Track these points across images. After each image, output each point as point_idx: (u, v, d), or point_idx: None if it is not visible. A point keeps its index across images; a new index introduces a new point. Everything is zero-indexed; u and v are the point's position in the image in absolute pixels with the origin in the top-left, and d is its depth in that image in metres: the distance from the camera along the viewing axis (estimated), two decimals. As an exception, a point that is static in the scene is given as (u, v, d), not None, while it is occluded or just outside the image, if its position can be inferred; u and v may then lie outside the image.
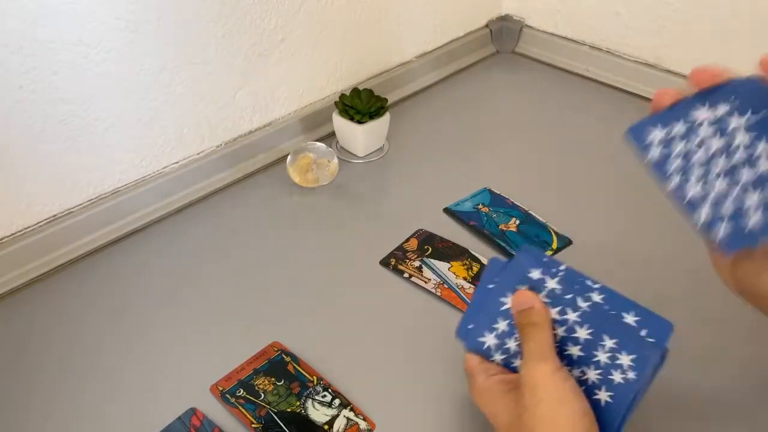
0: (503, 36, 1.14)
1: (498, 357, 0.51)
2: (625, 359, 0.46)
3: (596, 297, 0.49)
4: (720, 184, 0.45)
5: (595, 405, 0.46)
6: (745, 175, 0.44)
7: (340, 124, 0.87)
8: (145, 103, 0.74)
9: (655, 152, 0.47)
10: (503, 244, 0.73)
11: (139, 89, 0.72)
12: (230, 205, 0.82)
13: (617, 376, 0.46)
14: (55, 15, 0.63)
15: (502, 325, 0.51)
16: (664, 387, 0.57)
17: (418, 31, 1.01)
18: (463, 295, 0.67)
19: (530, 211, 0.78)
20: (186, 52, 0.74)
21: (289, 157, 0.82)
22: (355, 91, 0.87)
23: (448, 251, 0.72)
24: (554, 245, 0.73)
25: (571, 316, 0.49)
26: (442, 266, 0.70)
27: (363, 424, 0.55)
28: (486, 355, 0.51)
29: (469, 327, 0.52)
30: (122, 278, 0.71)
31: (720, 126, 0.45)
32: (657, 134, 0.47)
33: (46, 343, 0.64)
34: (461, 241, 0.74)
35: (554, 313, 0.49)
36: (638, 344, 0.46)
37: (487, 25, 1.12)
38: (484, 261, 0.71)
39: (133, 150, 0.75)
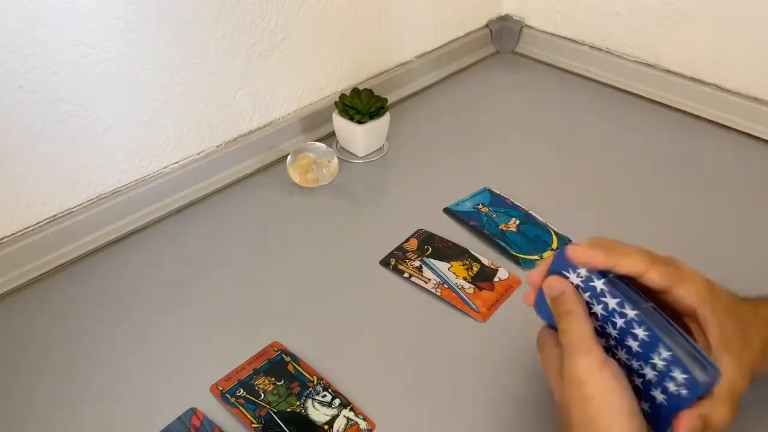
0: (503, 36, 1.14)
1: None
2: (678, 375, 0.43)
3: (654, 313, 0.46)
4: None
5: (652, 400, 0.45)
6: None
7: (340, 124, 0.87)
8: (145, 103, 0.74)
9: None
10: (503, 244, 0.73)
11: (139, 89, 0.72)
12: (230, 205, 0.82)
13: (671, 386, 0.44)
14: (55, 15, 0.63)
15: None
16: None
17: (418, 31, 1.01)
18: (463, 295, 0.67)
19: (530, 211, 0.78)
20: (186, 52, 0.74)
21: (289, 157, 0.82)
22: (355, 91, 0.87)
23: (448, 251, 0.72)
24: (554, 245, 0.73)
25: (630, 312, 0.45)
26: (442, 266, 0.70)
27: (363, 424, 0.55)
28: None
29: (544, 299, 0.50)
30: (122, 278, 0.71)
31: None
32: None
33: (45, 343, 0.64)
34: (461, 241, 0.74)
35: (613, 303, 0.46)
36: (690, 365, 0.43)
37: (487, 25, 1.12)
38: (485, 261, 0.71)
39: (133, 150, 0.75)
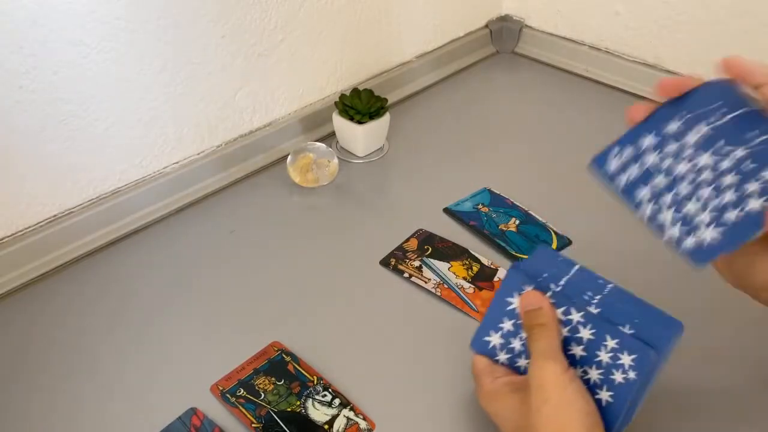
0: (503, 36, 1.14)
1: (502, 356, 0.51)
2: (626, 359, 0.46)
3: (604, 298, 0.49)
4: (689, 199, 0.46)
5: (596, 404, 0.47)
6: (723, 183, 0.45)
7: (340, 124, 0.87)
8: (145, 103, 0.74)
9: (622, 178, 0.48)
10: (503, 244, 0.73)
11: (139, 89, 0.72)
12: (230, 205, 0.82)
13: (618, 376, 0.46)
14: (55, 15, 0.63)
15: (507, 325, 0.51)
16: (664, 384, 0.57)
17: (418, 31, 1.01)
18: (463, 295, 0.67)
19: (530, 211, 0.78)
20: (186, 52, 0.74)
21: (289, 157, 0.82)
22: (355, 91, 0.87)
23: (448, 251, 0.72)
24: (554, 245, 0.73)
25: (575, 316, 0.49)
26: (442, 266, 0.70)
27: (363, 424, 0.55)
28: (491, 354, 0.51)
29: (484, 338, 0.53)
30: (122, 278, 0.71)
31: (691, 134, 0.46)
32: (624, 154, 0.48)
33: (46, 343, 0.64)
34: (461, 241, 0.74)
35: (559, 313, 0.49)
36: (639, 344, 0.46)
37: (487, 26, 1.12)
38: (485, 261, 0.71)
39: (133, 150, 0.75)
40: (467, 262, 0.71)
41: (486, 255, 0.72)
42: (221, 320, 0.66)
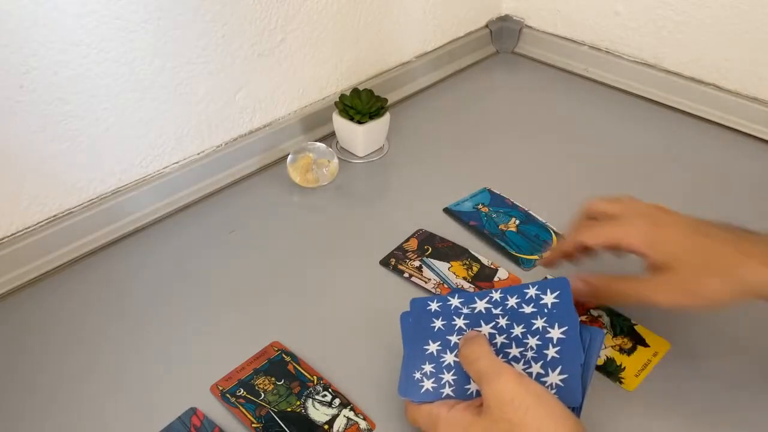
0: (503, 36, 1.14)
1: (447, 390, 0.51)
2: (555, 333, 0.50)
3: (497, 295, 0.54)
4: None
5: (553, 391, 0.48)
6: None
7: (340, 124, 0.87)
8: (145, 103, 0.74)
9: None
10: (503, 244, 0.73)
11: (139, 89, 0.72)
12: (230, 205, 0.82)
13: (551, 352, 0.49)
14: (55, 15, 0.63)
15: (428, 368, 0.52)
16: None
17: (418, 31, 1.01)
18: (463, 295, 0.67)
19: (530, 211, 0.78)
20: (186, 52, 0.74)
21: (289, 157, 0.83)
22: (355, 91, 0.87)
23: (448, 251, 0.72)
24: (554, 244, 0.73)
25: (502, 321, 0.52)
26: (442, 266, 0.70)
27: (363, 424, 0.55)
28: (435, 396, 0.51)
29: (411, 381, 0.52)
30: (122, 278, 0.71)
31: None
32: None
33: (45, 343, 0.64)
34: (461, 241, 0.74)
35: (489, 327, 0.52)
36: (557, 315, 0.51)
37: (487, 26, 1.12)
38: (485, 261, 0.71)
39: (133, 150, 0.75)
40: (467, 262, 0.71)
41: (486, 255, 0.72)
42: (221, 320, 0.66)
